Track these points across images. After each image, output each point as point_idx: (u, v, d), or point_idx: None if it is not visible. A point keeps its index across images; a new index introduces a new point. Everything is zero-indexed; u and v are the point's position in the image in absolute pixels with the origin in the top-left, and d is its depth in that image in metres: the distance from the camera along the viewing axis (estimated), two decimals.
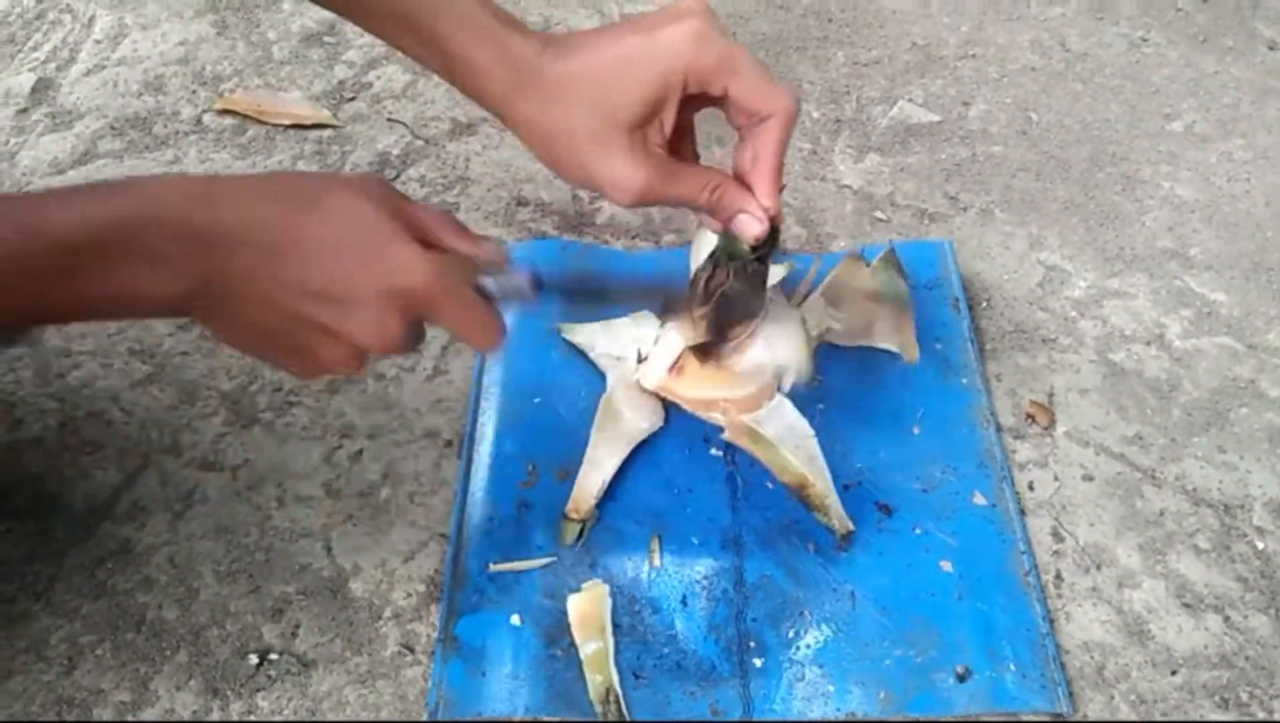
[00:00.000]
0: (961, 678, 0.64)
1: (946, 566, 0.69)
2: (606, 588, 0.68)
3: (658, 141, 0.57)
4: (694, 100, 0.57)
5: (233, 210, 0.51)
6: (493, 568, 0.69)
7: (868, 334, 0.80)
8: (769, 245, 0.62)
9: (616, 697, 0.63)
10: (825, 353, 0.80)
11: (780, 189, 0.60)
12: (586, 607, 0.67)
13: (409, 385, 0.82)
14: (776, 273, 0.74)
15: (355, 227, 0.52)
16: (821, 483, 0.70)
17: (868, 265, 0.81)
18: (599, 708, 0.63)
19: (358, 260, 0.52)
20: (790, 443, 0.71)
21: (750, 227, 0.60)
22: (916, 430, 0.76)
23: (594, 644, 0.65)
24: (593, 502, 0.71)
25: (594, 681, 0.64)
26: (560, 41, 0.56)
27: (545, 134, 0.57)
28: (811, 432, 0.71)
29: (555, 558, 0.70)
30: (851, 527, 0.69)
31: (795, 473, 0.70)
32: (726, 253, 0.63)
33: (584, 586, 0.68)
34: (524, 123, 0.57)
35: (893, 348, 0.80)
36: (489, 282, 0.57)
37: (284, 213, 0.52)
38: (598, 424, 0.74)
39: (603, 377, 0.78)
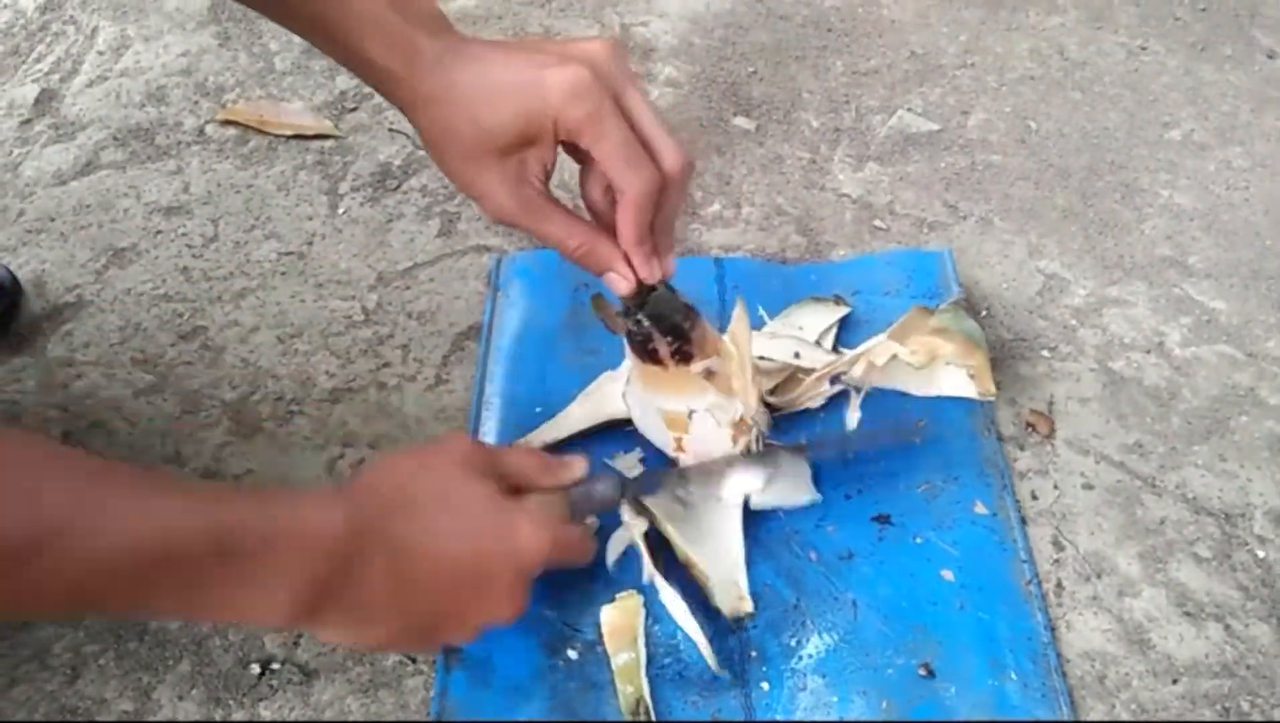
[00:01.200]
0: (930, 674, 0.64)
1: (948, 575, 0.69)
2: (641, 599, 0.67)
3: (537, 172, 0.58)
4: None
5: (346, 529, 0.51)
6: None
7: (934, 370, 0.77)
8: (645, 297, 0.64)
9: (647, 707, 0.63)
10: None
11: (662, 252, 0.62)
12: (619, 618, 0.66)
13: (410, 395, 0.82)
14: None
15: (469, 513, 0.56)
16: (705, 564, 0.67)
17: (933, 312, 0.77)
18: (629, 718, 0.63)
19: (486, 551, 0.56)
20: (680, 515, 0.69)
21: (618, 285, 0.62)
22: (917, 440, 0.76)
23: (626, 655, 0.65)
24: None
25: (625, 691, 0.64)
26: (460, 49, 0.57)
27: (432, 137, 0.58)
28: (735, 503, 0.70)
29: None
30: (748, 609, 0.67)
31: (679, 549, 0.68)
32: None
33: (618, 596, 0.68)
34: (420, 122, 0.58)
35: (967, 393, 0.77)
36: (577, 496, 0.64)
37: (395, 515, 0.54)
38: (585, 391, 0.77)
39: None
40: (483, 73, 0.56)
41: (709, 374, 0.68)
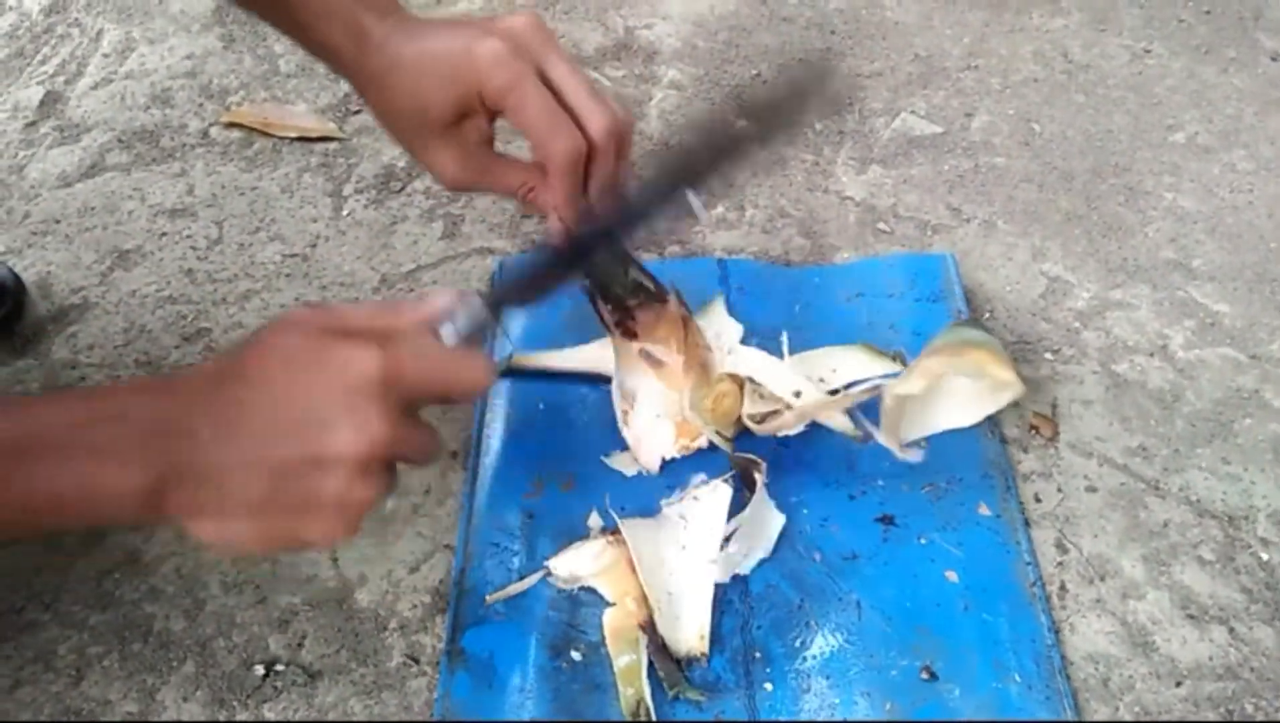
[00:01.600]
0: (932, 676, 0.64)
1: (952, 576, 0.69)
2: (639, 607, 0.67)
3: (476, 140, 0.60)
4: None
5: (179, 397, 0.50)
6: (489, 599, 0.68)
7: (943, 392, 0.71)
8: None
9: (648, 709, 0.63)
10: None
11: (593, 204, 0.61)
12: (621, 621, 0.66)
13: None
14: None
15: (292, 357, 0.51)
16: (661, 602, 0.65)
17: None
18: (630, 720, 0.63)
19: (308, 381, 0.50)
20: (648, 553, 0.68)
21: (553, 229, 0.63)
22: (922, 442, 0.76)
23: (627, 657, 0.64)
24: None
25: (625, 693, 0.63)
26: (403, 29, 0.59)
27: (381, 115, 0.61)
28: (711, 557, 0.67)
29: (546, 571, 0.70)
30: (704, 651, 0.65)
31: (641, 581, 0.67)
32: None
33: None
34: (370, 101, 0.61)
35: (993, 406, 0.70)
36: (447, 330, 0.56)
37: (224, 381, 0.51)
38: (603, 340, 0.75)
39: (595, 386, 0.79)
40: (420, 51, 0.58)
41: (651, 360, 0.68)
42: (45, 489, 0.47)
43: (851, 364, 0.79)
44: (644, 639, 0.65)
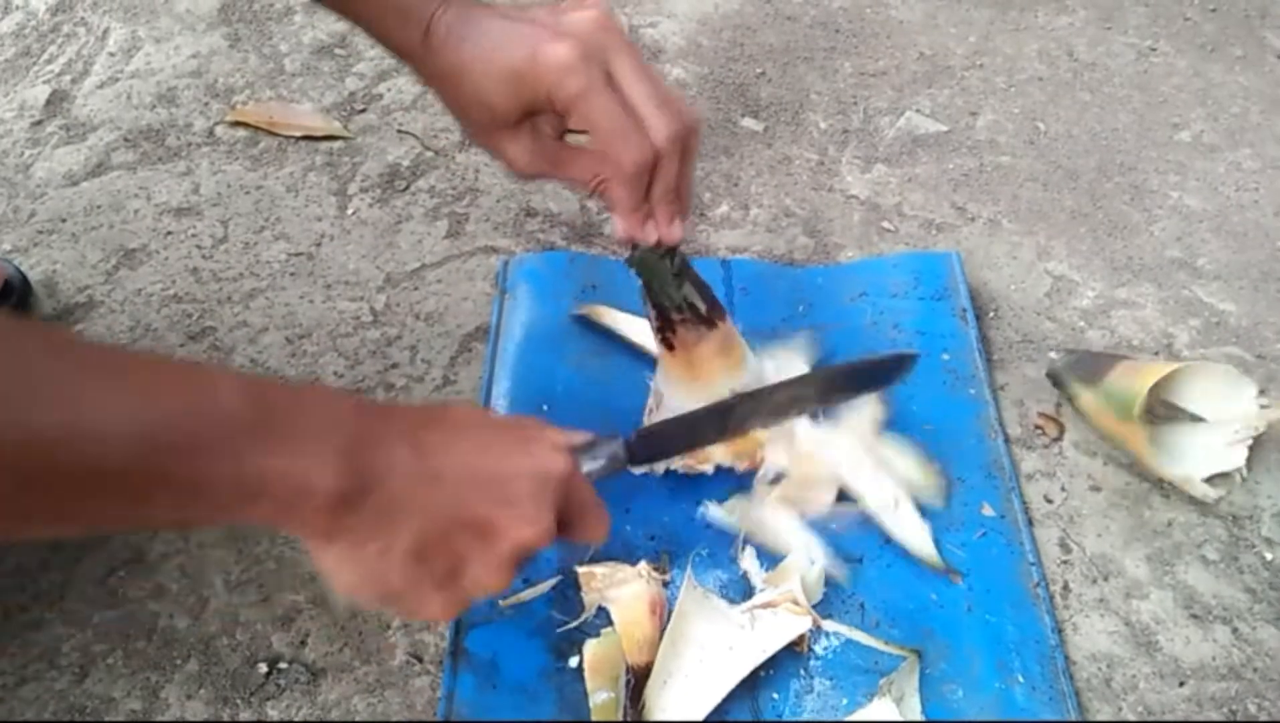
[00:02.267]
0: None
1: (955, 577, 0.69)
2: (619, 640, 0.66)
3: (549, 133, 0.60)
4: None
5: (387, 422, 0.50)
6: (504, 604, 0.68)
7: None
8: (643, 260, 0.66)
9: None
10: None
11: (664, 219, 0.63)
12: (601, 654, 0.65)
13: (418, 396, 0.82)
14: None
15: (496, 428, 0.54)
16: (654, 680, 0.63)
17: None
18: None
19: (508, 454, 0.52)
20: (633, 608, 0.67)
21: (617, 227, 0.63)
22: (925, 442, 0.76)
23: (604, 694, 0.64)
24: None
25: None
26: (466, 19, 0.58)
27: (452, 110, 0.61)
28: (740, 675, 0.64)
29: (561, 577, 0.70)
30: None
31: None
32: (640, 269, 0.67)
33: (603, 631, 0.67)
34: (441, 96, 0.61)
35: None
36: (588, 462, 0.59)
37: (429, 423, 0.52)
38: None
39: (612, 382, 0.79)
40: (484, 53, 0.57)
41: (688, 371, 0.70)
42: (248, 477, 0.44)
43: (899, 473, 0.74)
44: (625, 679, 0.64)
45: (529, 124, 0.59)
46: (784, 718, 0.63)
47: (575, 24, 0.56)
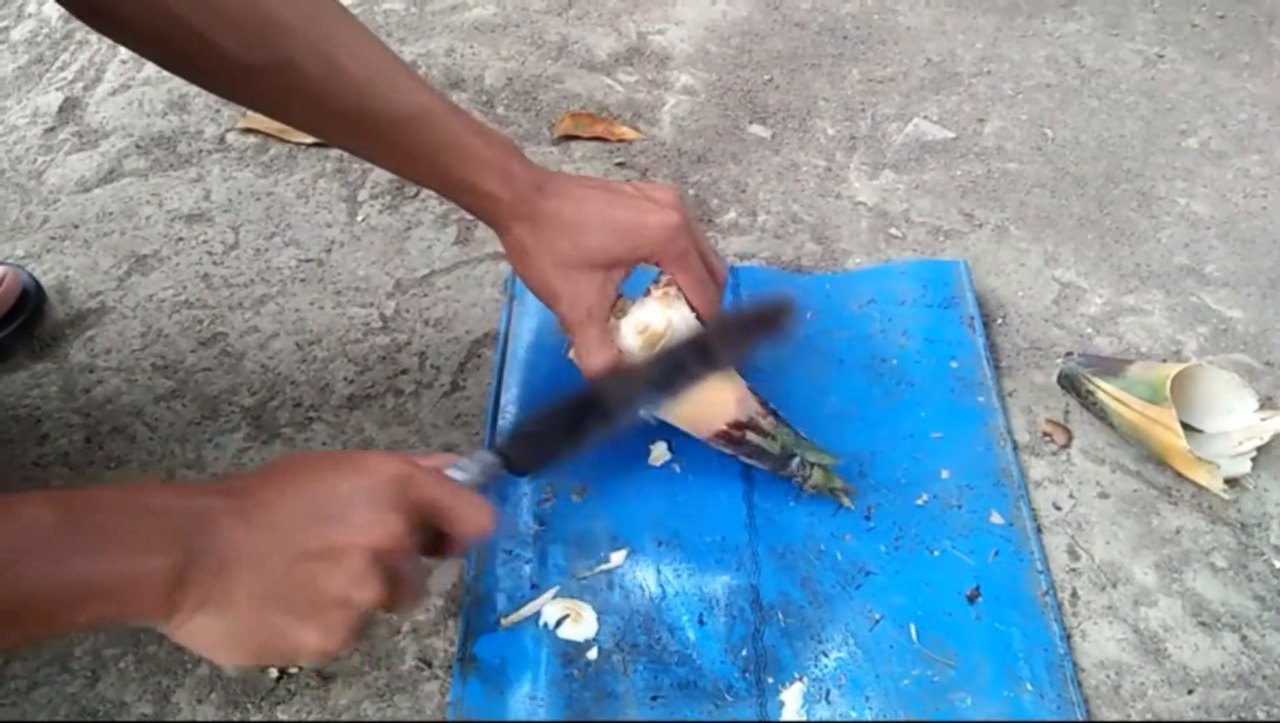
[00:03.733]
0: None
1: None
2: None
3: (612, 290, 0.69)
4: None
5: (206, 496, 0.51)
6: (504, 622, 0.69)
7: None
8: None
9: None
10: (839, 370, 0.81)
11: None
12: None
13: (426, 401, 0.83)
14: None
15: (317, 463, 0.55)
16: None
17: None
18: None
19: (333, 480, 0.53)
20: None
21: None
22: (933, 450, 0.76)
23: None
24: None
25: None
26: (555, 180, 0.68)
27: (526, 246, 0.68)
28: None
29: (559, 588, 0.70)
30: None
31: None
32: None
33: None
34: (515, 232, 0.68)
35: None
36: (457, 472, 0.60)
37: (250, 484, 0.53)
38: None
39: None
40: (587, 206, 0.68)
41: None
42: (71, 583, 0.46)
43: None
44: None
45: (603, 275, 0.68)
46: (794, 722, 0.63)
47: (670, 198, 0.68)
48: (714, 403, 0.70)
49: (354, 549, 0.51)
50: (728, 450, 0.71)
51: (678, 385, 0.69)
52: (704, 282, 0.70)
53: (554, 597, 0.70)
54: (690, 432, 0.71)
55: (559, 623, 0.68)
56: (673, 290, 0.69)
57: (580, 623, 0.68)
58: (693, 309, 0.69)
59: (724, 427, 0.69)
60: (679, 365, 0.69)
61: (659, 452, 0.77)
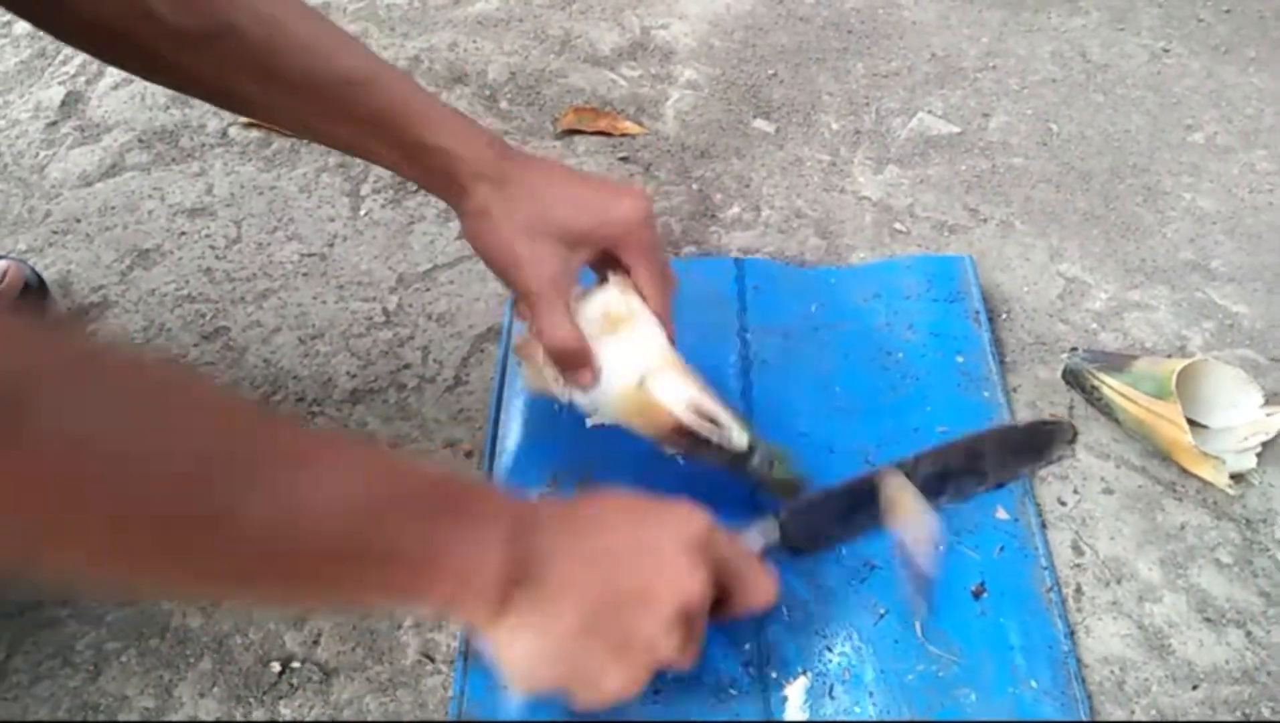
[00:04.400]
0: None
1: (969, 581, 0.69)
2: None
3: (575, 267, 0.66)
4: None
5: (535, 507, 0.54)
6: None
7: None
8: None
9: None
10: (844, 364, 0.81)
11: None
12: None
13: (429, 395, 0.82)
14: None
15: (634, 505, 0.57)
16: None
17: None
18: None
19: (651, 525, 0.55)
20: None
21: (583, 377, 0.67)
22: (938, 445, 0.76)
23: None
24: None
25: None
26: (516, 151, 0.66)
27: (489, 210, 0.65)
28: None
29: None
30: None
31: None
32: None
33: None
34: (476, 199, 0.65)
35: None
36: (750, 537, 0.65)
37: (573, 508, 0.56)
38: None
39: None
40: (555, 177, 0.66)
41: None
42: (435, 550, 0.48)
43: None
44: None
45: (565, 250, 0.65)
46: (797, 720, 0.63)
47: (638, 190, 0.67)
48: (666, 402, 0.66)
49: (668, 597, 0.53)
50: (681, 451, 0.68)
51: (946, 495, 0.72)
52: (664, 277, 0.68)
53: None
54: (643, 431, 0.68)
55: None
56: (629, 283, 0.67)
57: None
58: (646, 301, 0.67)
59: (681, 422, 0.66)
60: (950, 474, 0.72)
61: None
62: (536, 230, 0.64)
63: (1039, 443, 0.76)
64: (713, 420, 0.66)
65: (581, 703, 0.53)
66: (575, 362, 0.65)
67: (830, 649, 0.66)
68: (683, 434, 0.66)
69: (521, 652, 0.51)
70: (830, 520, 0.70)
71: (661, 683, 0.65)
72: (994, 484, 0.73)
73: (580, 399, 0.67)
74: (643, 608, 0.52)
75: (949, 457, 0.73)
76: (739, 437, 0.67)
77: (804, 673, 0.65)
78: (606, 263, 0.68)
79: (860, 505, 0.70)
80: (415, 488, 0.48)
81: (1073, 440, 0.77)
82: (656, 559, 0.53)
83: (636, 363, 0.66)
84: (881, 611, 0.67)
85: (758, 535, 0.66)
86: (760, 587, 0.59)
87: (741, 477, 0.69)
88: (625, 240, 0.66)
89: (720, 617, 0.58)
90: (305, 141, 1.04)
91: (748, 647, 0.66)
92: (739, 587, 0.58)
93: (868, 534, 0.70)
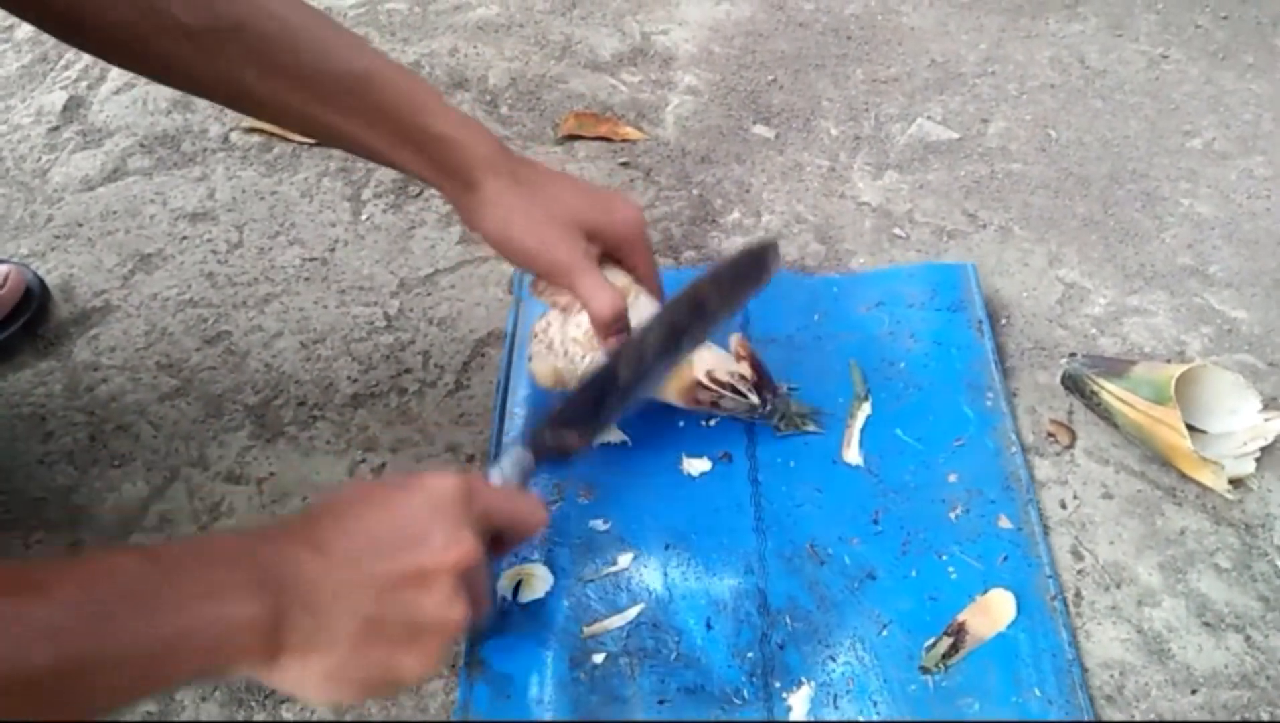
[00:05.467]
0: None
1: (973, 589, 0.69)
2: None
3: (594, 252, 0.69)
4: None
5: (277, 538, 0.51)
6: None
7: None
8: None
9: None
10: (845, 381, 0.81)
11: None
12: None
13: (430, 400, 0.83)
14: None
15: (374, 491, 0.54)
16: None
17: None
18: None
19: (399, 504, 0.53)
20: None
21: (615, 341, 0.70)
22: (941, 454, 0.76)
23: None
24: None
25: None
26: (521, 155, 0.69)
27: (510, 201, 0.67)
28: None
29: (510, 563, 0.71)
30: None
31: None
32: None
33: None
34: (491, 190, 0.67)
35: None
36: (494, 475, 0.63)
37: (315, 518, 0.53)
38: None
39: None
40: (557, 175, 0.70)
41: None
42: (170, 635, 0.44)
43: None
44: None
45: (583, 235, 0.68)
46: None
47: (631, 200, 0.72)
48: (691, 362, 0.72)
49: (441, 571, 0.52)
50: (702, 407, 0.74)
51: (684, 348, 0.71)
52: (653, 272, 0.72)
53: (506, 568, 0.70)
54: (667, 392, 0.73)
55: (516, 591, 0.69)
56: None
57: (534, 582, 0.70)
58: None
59: (702, 380, 0.72)
60: (681, 327, 0.70)
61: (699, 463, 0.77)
62: (557, 217, 0.67)
63: (755, 268, 0.76)
64: (735, 375, 0.72)
65: (392, 694, 0.54)
66: (618, 324, 0.68)
67: (834, 659, 0.66)
68: (706, 389, 0.72)
69: (312, 682, 0.50)
70: (576, 421, 0.67)
71: (666, 693, 0.65)
72: (725, 319, 0.74)
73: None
74: (418, 590, 0.51)
75: (674, 314, 0.71)
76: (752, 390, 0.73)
77: (808, 683, 0.65)
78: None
79: (601, 397, 0.68)
80: (141, 580, 0.44)
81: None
82: (416, 536, 0.52)
83: None
84: (885, 621, 0.67)
85: (508, 465, 0.63)
86: (530, 515, 0.60)
87: (761, 421, 0.76)
88: (629, 241, 0.70)
89: (500, 552, 0.59)
90: (307, 147, 1.04)
91: (751, 656, 0.66)
92: (510, 523, 0.58)
93: (613, 421, 0.72)
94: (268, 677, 0.49)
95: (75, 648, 0.42)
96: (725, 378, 0.73)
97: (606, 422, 0.69)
